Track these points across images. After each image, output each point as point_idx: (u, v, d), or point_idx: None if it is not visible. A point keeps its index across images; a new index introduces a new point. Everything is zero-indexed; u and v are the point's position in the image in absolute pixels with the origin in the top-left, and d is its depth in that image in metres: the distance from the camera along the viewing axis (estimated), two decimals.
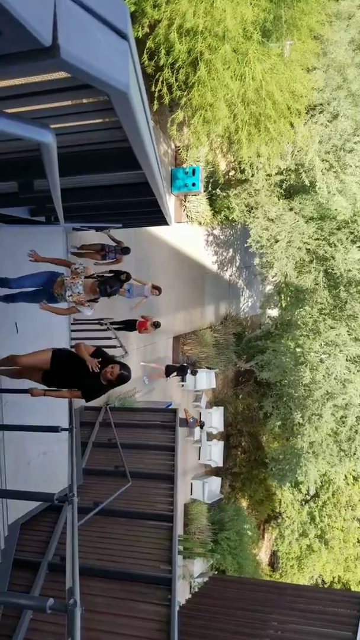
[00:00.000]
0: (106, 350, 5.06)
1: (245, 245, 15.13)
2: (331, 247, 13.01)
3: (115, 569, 5.69)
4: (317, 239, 13.22)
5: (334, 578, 21.00)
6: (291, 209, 13.62)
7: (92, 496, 6.85)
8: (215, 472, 17.00)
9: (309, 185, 12.75)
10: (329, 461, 14.61)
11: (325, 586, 20.76)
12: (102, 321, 8.14)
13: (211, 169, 14.57)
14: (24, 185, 3.28)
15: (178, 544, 6.55)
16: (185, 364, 13.41)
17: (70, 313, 5.74)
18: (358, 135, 12.31)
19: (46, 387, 4.83)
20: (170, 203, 13.55)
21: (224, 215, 15.47)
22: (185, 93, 10.04)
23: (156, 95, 9.79)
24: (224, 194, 14.63)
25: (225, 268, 18.26)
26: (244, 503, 19.68)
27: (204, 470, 16.64)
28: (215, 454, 16.16)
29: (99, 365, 4.59)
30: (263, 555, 21.83)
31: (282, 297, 16.62)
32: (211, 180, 14.69)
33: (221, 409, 16.66)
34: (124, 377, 4.50)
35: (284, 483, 17.28)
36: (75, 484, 4.22)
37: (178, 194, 14.22)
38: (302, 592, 10.50)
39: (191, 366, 13.76)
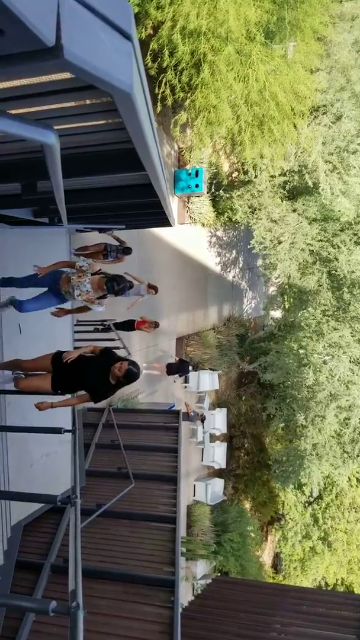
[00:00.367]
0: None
1: (249, 246, 15.12)
2: (334, 248, 12.99)
3: (118, 570, 5.69)
4: (321, 240, 13.20)
5: (337, 580, 20.94)
6: (294, 210, 13.61)
7: (95, 498, 6.85)
8: (218, 473, 16.96)
9: (312, 186, 12.73)
10: (332, 463, 14.57)
11: (329, 588, 20.69)
12: (104, 322, 8.15)
13: (214, 170, 14.57)
14: (27, 187, 3.29)
15: (181, 546, 6.53)
16: (185, 359, 13.34)
17: (81, 312, 5.69)
18: None
19: (53, 400, 4.72)
20: (173, 204, 13.54)
21: (227, 217, 15.46)
22: (188, 94, 10.04)
23: (159, 96, 9.79)
24: (227, 195, 14.63)
25: (229, 269, 18.25)
26: (247, 505, 19.63)
27: (207, 472, 16.61)
28: (218, 455, 16.13)
29: (73, 359, 4.55)
30: (266, 557, 21.77)
31: (286, 299, 16.59)
32: (214, 182, 14.68)
33: (224, 410, 16.64)
34: (132, 373, 4.35)
35: (287, 485, 17.23)
36: (78, 486, 4.21)
37: (181, 195, 14.23)
38: (306, 594, 10.47)
39: (189, 360, 13.75)
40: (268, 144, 11.17)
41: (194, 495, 15.21)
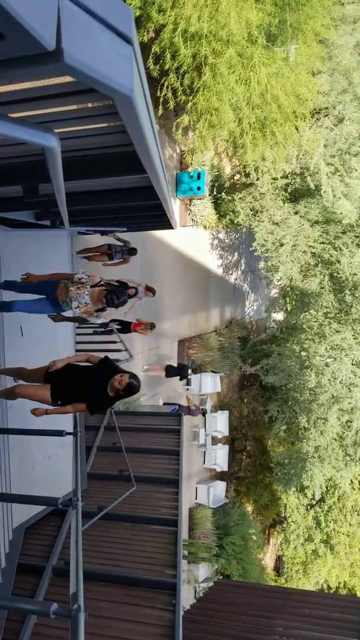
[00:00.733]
0: (110, 354, 5.03)
1: (251, 249, 15.11)
2: (336, 250, 12.99)
3: (120, 573, 5.68)
4: (323, 242, 13.20)
5: (339, 583, 20.88)
6: (296, 213, 13.61)
7: (97, 500, 6.84)
8: (220, 476, 16.93)
9: (314, 188, 12.73)
10: (334, 466, 14.54)
11: (331, 592, 20.62)
12: (105, 324, 8.13)
13: (216, 173, 14.58)
14: (28, 190, 3.30)
15: (183, 549, 6.52)
16: (184, 364, 13.31)
17: (78, 322, 5.65)
18: None
19: (50, 406, 4.63)
20: (175, 207, 13.56)
21: (229, 219, 15.47)
22: (190, 97, 10.06)
23: (161, 99, 9.81)
24: (229, 197, 14.64)
25: (230, 272, 18.25)
26: (249, 507, 19.59)
27: (208, 475, 16.59)
28: (220, 458, 16.11)
29: (57, 368, 4.48)
30: (268, 560, 21.72)
31: (287, 301, 16.59)
32: (216, 184, 14.69)
33: (226, 413, 16.62)
34: (133, 387, 4.29)
35: (289, 487, 17.18)
36: (80, 488, 4.21)
37: (183, 198, 14.25)
38: (308, 597, 10.44)
39: (191, 363, 13.72)
40: (270, 146, 11.17)
41: (196, 498, 15.19)
